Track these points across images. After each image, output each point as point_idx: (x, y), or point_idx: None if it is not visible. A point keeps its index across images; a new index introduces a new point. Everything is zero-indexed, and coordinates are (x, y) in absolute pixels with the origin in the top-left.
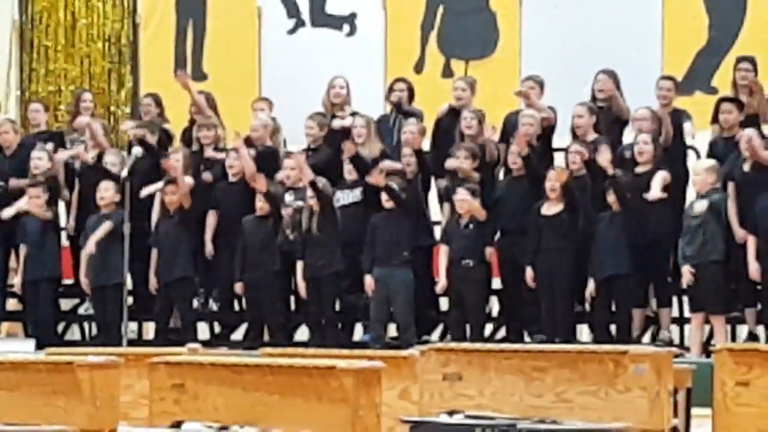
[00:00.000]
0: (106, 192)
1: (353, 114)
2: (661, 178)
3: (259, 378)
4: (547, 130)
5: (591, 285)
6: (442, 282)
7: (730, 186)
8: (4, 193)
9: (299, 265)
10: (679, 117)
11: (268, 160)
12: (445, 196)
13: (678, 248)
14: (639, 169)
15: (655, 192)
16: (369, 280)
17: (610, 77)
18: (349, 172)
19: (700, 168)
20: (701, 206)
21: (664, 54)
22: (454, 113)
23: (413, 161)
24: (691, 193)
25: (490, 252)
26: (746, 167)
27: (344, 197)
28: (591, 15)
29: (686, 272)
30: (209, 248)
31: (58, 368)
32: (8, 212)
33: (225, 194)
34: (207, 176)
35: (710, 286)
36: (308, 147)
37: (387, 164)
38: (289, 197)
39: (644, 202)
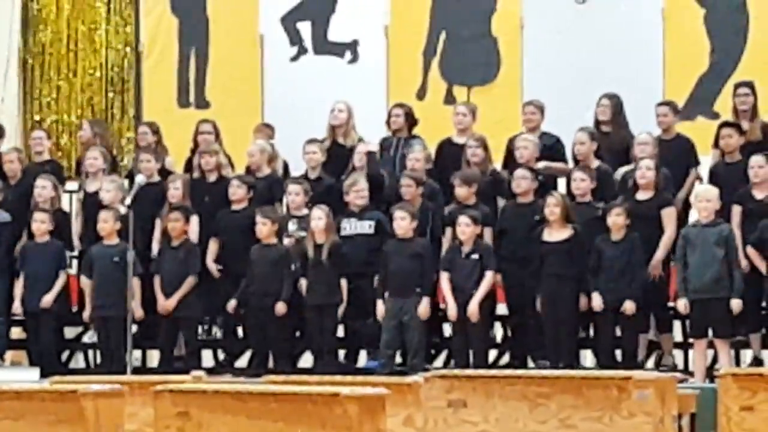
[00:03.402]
0: (105, 223)
1: (360, 140)
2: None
3: (264, 405)
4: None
5: (597, 300)
6: (451, 310)
7: (736, 210)
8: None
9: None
10: (682, 143)
11: (271, 188)
12: (448, 223)
13: (678, 274)
14: (640, 196)
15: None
16: (381, 307)
17: (612, 102)
18: (356, 198)
19: (708, 195)
20: (711, 238)
21: (666, 79)
22: (452, 143)
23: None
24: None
25: (492, 276)
26: (758, 194)
27: (351, 226)
28: (592, 40)
29: (682, 305)
30: (213, 269)
31: (62, 397)
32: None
33: (227, 222)
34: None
35: (716, 312)
36: (306, 175)
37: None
38: (292, 226)
39: (643, 228)
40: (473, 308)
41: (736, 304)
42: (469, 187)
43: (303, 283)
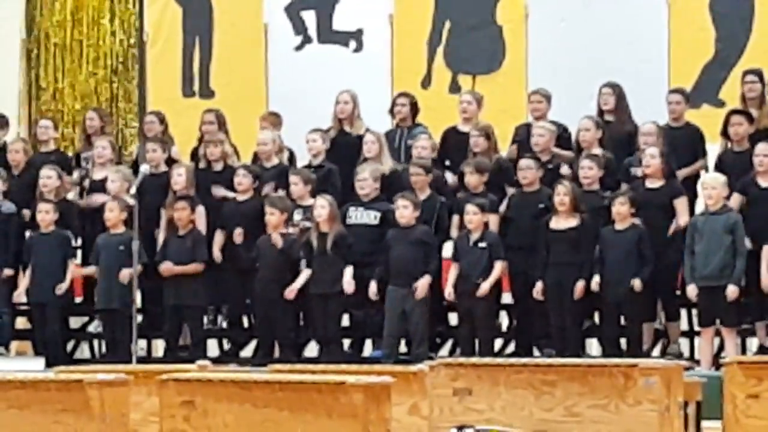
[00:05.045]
0: (111, 212)
1: (366, 130)
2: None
3: (269, 394)
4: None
5: (596, 281)
6: (447, 290)
7: (736, 198)
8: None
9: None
10: (691, 131)
11: (279, 178)
12: (456, 211)
13: (685, 263)
14: (650, 184)
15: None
16: (374, 287)
17: (614, 90)
18: (362, 188)
19: (714, 182)
20: (718, 225)
21: (671, 67)
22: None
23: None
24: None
25: (500, 266)
26: (762, 182)
27: (358, 216)
28: (597, 28)
29: (692, 291)
30: (218, 256)
31: (67, 386)
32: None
33: (233, 212)
34: (217, 191)
35: (723, 300)
36: (310, 164)
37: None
38: (297, 216)
39: (653, 216)
40: (484, 290)
41: (731, 291)
42: (481, 175)
43: (307, 272)
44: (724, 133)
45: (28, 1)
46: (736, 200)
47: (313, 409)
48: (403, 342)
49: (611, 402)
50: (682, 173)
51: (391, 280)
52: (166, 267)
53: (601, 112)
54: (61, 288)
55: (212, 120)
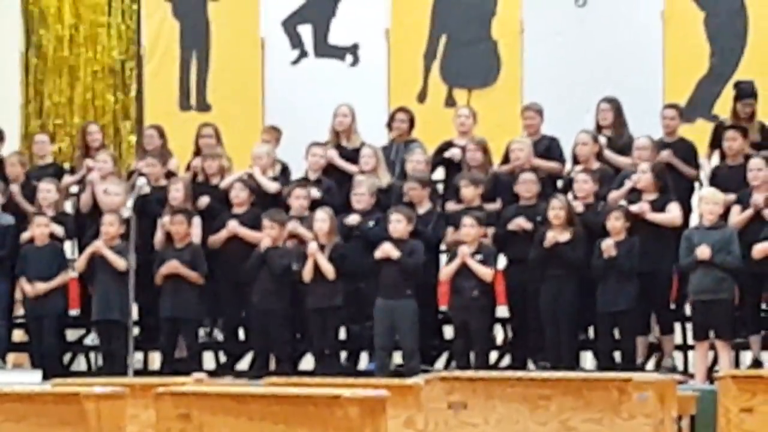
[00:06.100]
0: (111, 227)
1: (362, 144)
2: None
3: (265, 407)
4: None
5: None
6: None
7: (736, 209)
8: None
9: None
10: (685, 146)
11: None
12: (451, 222)
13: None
14: (644, 199)
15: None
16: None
17: (612, 105)
18: (359, 202)
19: (714, 198)
20: (713, 239)
21: (666, 82)
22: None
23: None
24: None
25: (490, 274)
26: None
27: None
28: (592, 43)
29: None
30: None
31: (64, 399)
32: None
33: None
34: (203, 201)
35: (718, 314)
36: (306, 177)
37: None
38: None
39: (646, 231)
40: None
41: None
42: (476, 188)
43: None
44: (713, 145)
45: (27, 15)
46: (735, 211)
47: (308, 423)
48: (398, 355)
49: (605, 416)
50: (670, 158)
51: (379, 293)
52: (172, 264)
53: (599, 127)
54: (43, 288)
55: (211, 133)
